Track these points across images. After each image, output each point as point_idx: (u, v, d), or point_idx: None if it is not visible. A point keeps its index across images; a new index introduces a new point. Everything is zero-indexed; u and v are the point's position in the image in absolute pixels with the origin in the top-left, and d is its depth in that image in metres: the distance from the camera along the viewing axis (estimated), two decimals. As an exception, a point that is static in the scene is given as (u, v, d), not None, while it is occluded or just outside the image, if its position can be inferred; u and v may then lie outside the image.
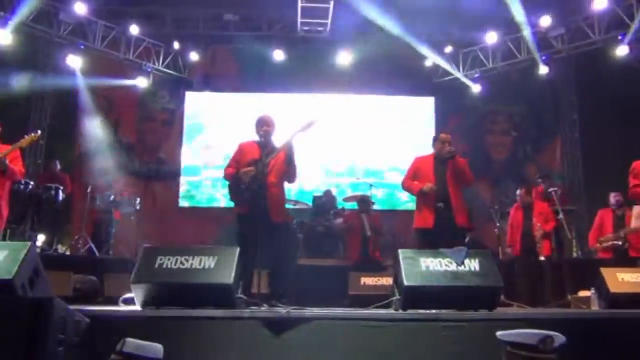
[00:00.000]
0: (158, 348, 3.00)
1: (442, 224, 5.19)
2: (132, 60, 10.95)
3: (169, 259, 3.85)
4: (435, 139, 5.59)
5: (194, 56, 11.39)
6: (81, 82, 10.84)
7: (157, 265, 3.83)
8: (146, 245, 4.19)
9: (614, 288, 5.35)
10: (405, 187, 5.60)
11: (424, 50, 10.85)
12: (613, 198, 7.35)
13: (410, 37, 10.36)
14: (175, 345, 3.31)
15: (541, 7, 9.91)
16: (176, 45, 11.27)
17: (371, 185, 9.51)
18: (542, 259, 7.07)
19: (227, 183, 4.93)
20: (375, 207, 9.25)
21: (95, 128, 11.18)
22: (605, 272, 5.56)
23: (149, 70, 11.20)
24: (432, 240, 5.12)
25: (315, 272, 7.96)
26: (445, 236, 5.05)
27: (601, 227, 7.35)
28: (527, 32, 10.16)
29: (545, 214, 7.28)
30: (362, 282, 6.52)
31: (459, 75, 11.36)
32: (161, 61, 11.35)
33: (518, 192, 7.47)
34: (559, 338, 2.31)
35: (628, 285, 5.37)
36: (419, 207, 5.42)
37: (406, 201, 11.10)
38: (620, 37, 9.73)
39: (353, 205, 10.12)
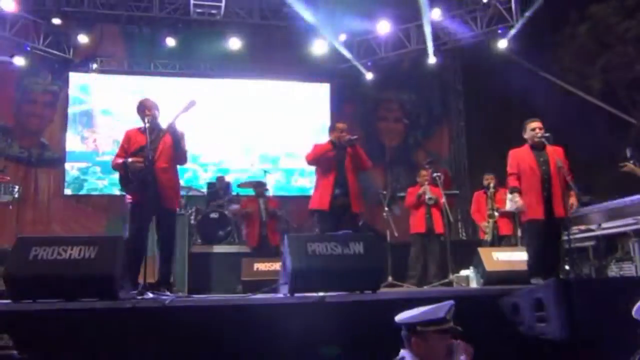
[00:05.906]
0: None
1: (339, 209, 5.27)
2: (8, 37, 10.10)
3: (45, 250, 3.67)
4: (332, 128, 5.64)
5: (79, 35, 10.65)
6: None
7: (31, 257, 3.65)
8: (20, 235, 3.94)
9: (489, 266, 5.79)
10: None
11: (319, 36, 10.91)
12: (485, 180, 7.75)
13: (307, 23, 10.39)
14: (51, 339, 3.16)
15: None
16: (56, 21, 10.47)
17: (265, 172, 9.49)
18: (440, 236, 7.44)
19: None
20: (270, 193, 9.22)
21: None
22: (482, 251, 5.99)
23: (27, 48, 10.40)
24: (327, 223, 5.22)
25: (209, 258, 7.88)
26: (341, 221, 5.16)
27: (479, 208, 7.76)
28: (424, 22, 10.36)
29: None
30: (255, 268, 6.53)
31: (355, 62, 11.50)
32: (42, 39, 10.58)
33: (423, 172, 7.71)
34: (450, 304, 2.42)
35: (502, 264, 5.83)
36: (317, 188, 5.47)
37: (301, 187, 11.24)
38: (500, 31, 10.36)
39: (248, 191, 10.09)
